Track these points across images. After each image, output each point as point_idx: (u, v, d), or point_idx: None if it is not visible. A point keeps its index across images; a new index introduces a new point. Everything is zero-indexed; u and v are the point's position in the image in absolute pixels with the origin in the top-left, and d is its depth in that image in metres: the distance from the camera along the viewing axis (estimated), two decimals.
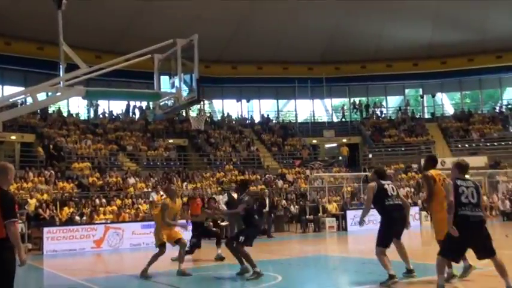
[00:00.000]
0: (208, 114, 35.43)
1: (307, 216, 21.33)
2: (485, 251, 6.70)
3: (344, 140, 36.50)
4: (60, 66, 9.45)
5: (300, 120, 39.62)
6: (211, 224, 14.54)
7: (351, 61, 36.56)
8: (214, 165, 29.57)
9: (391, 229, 8.34)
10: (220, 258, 11.92)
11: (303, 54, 35.35)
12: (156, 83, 9.96)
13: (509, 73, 37.48)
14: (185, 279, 9.63)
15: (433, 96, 40.69)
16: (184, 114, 33.07)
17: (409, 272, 8.44)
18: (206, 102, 36.81)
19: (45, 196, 20.31)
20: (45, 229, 16.39)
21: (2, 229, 5.11)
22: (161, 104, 10.45)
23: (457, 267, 8.13)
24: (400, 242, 8.60)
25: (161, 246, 10.00)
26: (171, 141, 31.34)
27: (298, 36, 33.15)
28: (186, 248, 10.96)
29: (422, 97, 41.03)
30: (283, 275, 9.54)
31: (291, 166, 31.46)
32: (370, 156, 34.43)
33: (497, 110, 38.83)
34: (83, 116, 32.66)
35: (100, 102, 33.17)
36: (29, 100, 11.31)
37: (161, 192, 21.51)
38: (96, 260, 14.97)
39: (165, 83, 9.96)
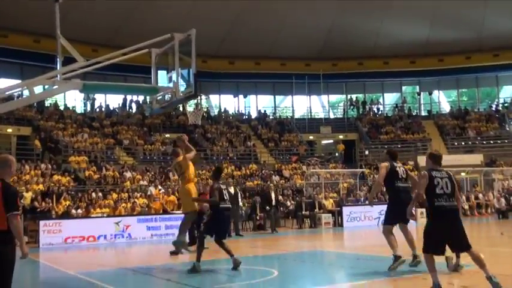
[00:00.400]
0: (205, 109, 35.49)
1: (303, 212, 21.32)
2: (461, 244, 6.74)
3: (341, 137, 36.58)
4: (58, 59, 9.37)
5: (296, 116, 39.70)
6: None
7: (348, 58, 36.59)
8: (211, 160, 29.55)
9: (399, 209, 8.35)
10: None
11: (300, 50, 35.37)
12: (153, 77, 9.85)
13: (506, 71, 37.57)
14: (178, 274, 9.56)
15: (430, 93, 40.78)
16: (181, 108, 33.11)
17: (414, 258, 8.49)
18: (203, 97, 36.84)
19: (40, 186, 20.25)
20: (42, 222, 16.33)
21: (4, 221, 5.14)
22: (158, 98, 10.38)
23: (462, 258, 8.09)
24: (406, 227, 8.69)
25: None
26: (167, 135, 31.32)
27: (295, 32, 33.12)
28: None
29: (419, 94, 41.13)
30: (279, 269, 9.52)
31: (288, 162, 31.51)
32: (367, 152, 34.51)
33: (493, 108, 38.94)
34: (80, 109, 32.56)
35: (97, 96, 33.10)
36: (26, 93, 11.23)
37: (159, 187, 21.60)
38: (92, 254, 14.94)
39: (162, 78, 9.86)
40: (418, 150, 32.74)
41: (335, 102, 43.32)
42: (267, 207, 19.83)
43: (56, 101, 31.29)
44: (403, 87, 41.75)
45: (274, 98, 40.54)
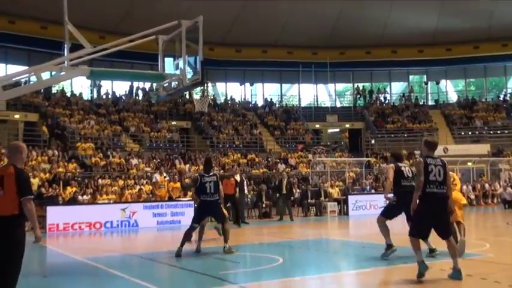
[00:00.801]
0: (212, 97, 35.46)
1: (309, 200, 21.38)
2: (446, 231, 6.99)
3: (347, 125, 36.45)
4: (65, 45, 9.40)
5: (303, 104, 39.56)
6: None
7: (355, 46, 36.34)
8: (217, 147, 29.59)
9: (400, 209, 8.81)
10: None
11: (307, 38, 35.15)
12: (160, 64, 9.92)
13: None
14: (184, 260, 9.62)
15: (437, 83, 40.53)
16: (187, 96, 33.12)
17: (431, 252, 8.75)
18: (210, 84, 36.81)
19: (47, 175, 20.37)
20: (49, 208, 16.47)
21: (16, 206, 5.24)
22: (165, 85, 10.46)
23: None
24: None
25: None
26: (174, 123, 31.35)
27: (303, 20, 32.88)
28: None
29: (426, 84, 40.85)
30: (284, 257, 9.55)
31: (294, 150, 31.48)
32: (373, 142, 34.42)
33: (501, 98, 38.68)
34: (86, 96, 32.60)
35: (103, 83, 33.10)
36: (33, 79, 11.27)
37: (164, 174, 21.64)
38: (99, 240, 15.03)
39: (169, 65, 9.95)
40: None
41: (342, 91, 43.15)
42: (277, 195, 19.84)
43: (63, 88, 31.32)
44: (411, 77, 41.56)
45: (281, 86, 40.40)
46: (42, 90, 26.97)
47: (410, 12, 33.75)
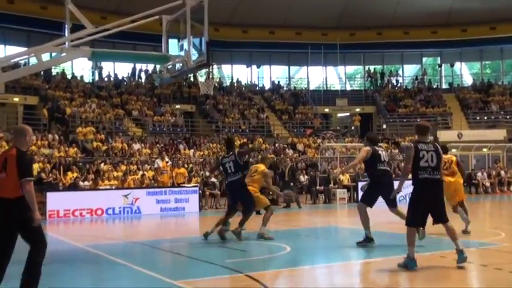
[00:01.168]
0: (217, 80, 34.67)
1: (318, 187, 20.84)
2: (441, 216, 6.96)
3: (357, 110, 35.76)
4: (66, 25, 9.36)
5: (312, 87, 38.81)
6: None
7: (366, 27, 35.62)
8: (222, 132, 28.82)
9: (377, 192, 8.93)
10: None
11: (316, 18, 34.40)
12: (164, 45, 9.84)
13: None
14: (190, 248, 9.62)
15: (452, 65, 39.65)
16: (192, 79, 32.31)
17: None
18: (215, 66, 35.98)
19: (47, 165, 19.67)
20: (49, 194, 16.19)
21: (18, 188, 5.40)
22: (169, 67, 10.36)
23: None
24: (397, 210, 8.96)
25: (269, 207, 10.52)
26: (178, 106, 30.71)
27: None
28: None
29: (440, 66, 40.05)
30: (292, 245, 9.27)
31: (302, 135, 30.86)
32: (384, 126, 33.87)
33: None
34: (88, 78, 31.85)
35: (105, 65, 32.40)
36: (32, 61, 11.09)
37: (166, 159, 20.95)
38: (100, 226, 14.86)
39: (173, 46, 9.86)
40: (439, 124, 31.91)
41: (352, 74, 42.32)
42: (281, 183, 19.52)
43: (63, 70, 30.73)
44: (424, 59, 40.77)
45: (289, 68, 39.69)
46: (42, 72, 26.60)
47: None
